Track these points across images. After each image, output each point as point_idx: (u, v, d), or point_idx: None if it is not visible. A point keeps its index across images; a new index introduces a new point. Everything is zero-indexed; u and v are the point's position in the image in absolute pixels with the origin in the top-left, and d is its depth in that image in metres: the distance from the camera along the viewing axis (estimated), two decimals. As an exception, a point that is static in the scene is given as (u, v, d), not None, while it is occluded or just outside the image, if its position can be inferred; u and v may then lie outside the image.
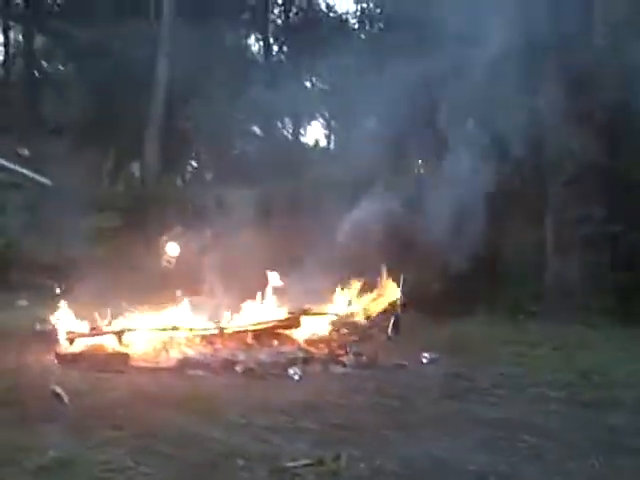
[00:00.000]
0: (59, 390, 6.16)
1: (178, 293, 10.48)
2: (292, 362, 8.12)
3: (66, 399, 6.03)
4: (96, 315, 9.39)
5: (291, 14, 30.91)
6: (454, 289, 12.10)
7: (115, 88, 21.13)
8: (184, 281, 11.43)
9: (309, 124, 34.08)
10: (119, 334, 8.80)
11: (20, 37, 31.90)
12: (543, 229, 13.49)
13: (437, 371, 8.28)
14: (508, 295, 13.42)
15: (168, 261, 11.64)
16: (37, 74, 30.96)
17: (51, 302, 10.68)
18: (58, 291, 12.15)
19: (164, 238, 12.04)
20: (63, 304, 9.60)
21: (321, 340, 9.70)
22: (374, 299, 11.09)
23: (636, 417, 6.22)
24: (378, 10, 26.79)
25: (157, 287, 11.18)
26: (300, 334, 9.72)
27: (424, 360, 8.81)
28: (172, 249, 11.74)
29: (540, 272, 13.58)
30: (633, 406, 6.69)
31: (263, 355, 8.57)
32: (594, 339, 10.74)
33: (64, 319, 9.26)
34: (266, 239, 12.29)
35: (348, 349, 9.21)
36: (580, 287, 12.67)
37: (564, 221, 13.03)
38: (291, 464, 4.62)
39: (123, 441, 4.97)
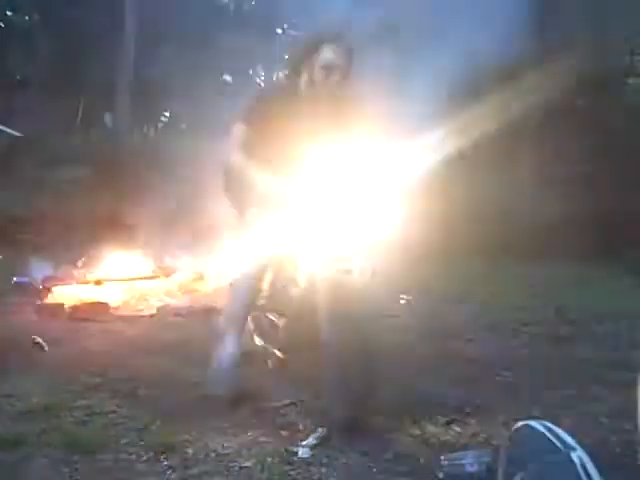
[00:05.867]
0: (39, 339, 6.16)
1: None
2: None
3: (46, 348, 6.04)
4: (72, 266, 9.37)
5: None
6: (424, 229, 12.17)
7: (83, 38, 20.66)
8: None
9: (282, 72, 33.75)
10: (96, 283, 8.81)
11: (-17, -13, 31.09)
12: (518, 168, 13.58)
13: (411, 312, 8.38)
14: (483, 234, 13.46)
15: None
16: (2, 25, 30.24)
17: (26, 255, 10.63)
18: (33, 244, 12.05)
19: None
20: (38, 256, 9.58)
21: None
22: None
23: (608, 351, 6.38)
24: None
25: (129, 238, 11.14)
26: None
27: (402, 302, 8.92)
28: None
29: (515, 211, 13.69)
30: (604, 340, 6.89)
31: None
32: (570, 276, 10.94)
33: (40, 271, 9.24)
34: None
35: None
36: (557, 225, 12.79)
37: (540, 160, 13.11)
38: (275, 404, 4.69)
39: (105, 386, 5.00)
